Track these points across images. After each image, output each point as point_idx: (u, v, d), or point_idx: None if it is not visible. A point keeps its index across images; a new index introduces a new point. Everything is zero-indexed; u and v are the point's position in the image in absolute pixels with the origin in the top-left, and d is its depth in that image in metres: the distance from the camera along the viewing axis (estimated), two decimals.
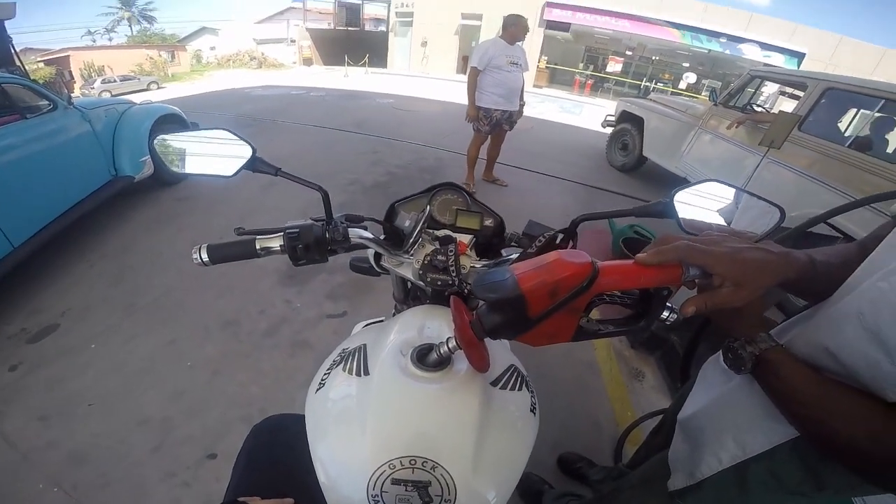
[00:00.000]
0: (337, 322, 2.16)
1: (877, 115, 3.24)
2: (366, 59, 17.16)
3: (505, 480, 0.53)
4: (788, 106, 3.90)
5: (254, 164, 0.68)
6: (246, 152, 0.68)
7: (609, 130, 5.91)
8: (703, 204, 0.68)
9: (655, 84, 18.13)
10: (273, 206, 3.42)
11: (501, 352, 0.66)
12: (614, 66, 19.32)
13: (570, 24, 16.73)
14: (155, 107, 3.72)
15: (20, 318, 2.09)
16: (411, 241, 0.74)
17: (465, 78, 3.71)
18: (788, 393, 0.54)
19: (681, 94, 13.67)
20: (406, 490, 0.47)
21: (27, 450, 1.50)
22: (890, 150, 3.24)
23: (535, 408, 0.61)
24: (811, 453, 0.59)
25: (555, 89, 18.03)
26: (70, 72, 18.84)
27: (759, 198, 0.69)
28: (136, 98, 4.36)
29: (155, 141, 0.74)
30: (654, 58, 19.41)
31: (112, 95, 12.28)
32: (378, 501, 0.47)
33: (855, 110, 3.74)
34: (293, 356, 1.93)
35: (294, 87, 11.86)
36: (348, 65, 16.30)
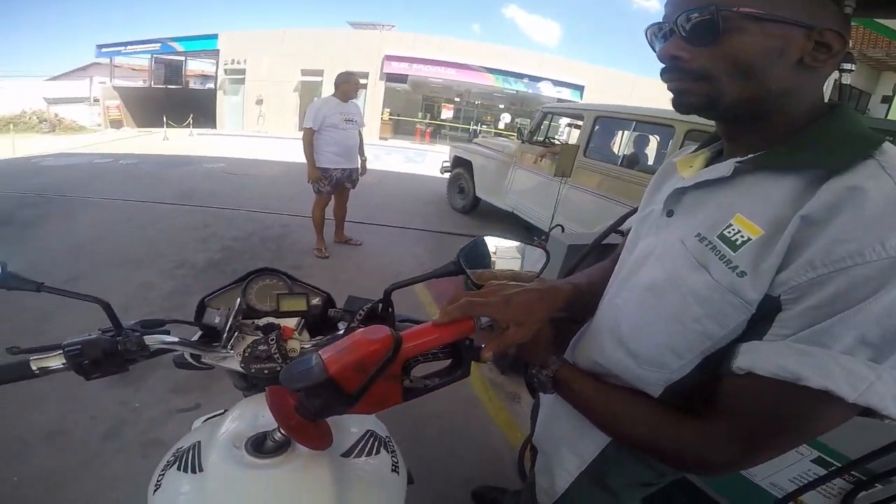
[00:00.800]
0: (192, 415, 1.84)
1: (635, 134, 3.92)
2: (190, 119, 15.69)
3: None
4: (577, 136, 4.54)
5: (6, 281, 0.60)
6: None
7: (447, 176, 6.30)
8: (488, 253, 0.77)
9: (481, 127, 20.23)
10: (75, 303, 2.74)
11: (357, 420, 0.67)
12: (447, 112, 21.01)
13: (407, 75, 17.80)
14: None
15: None
16: (225, 336, 0.73)
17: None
18: (583, 403, 0.61)
19: (502, 134, 15.57)
20: None
21: None
22: (650, 162, 3.91)
23: (396, 467, 0.63)
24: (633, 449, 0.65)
25: (399, 139, 18.89)
26: None
27: (525, 243, 0.80)
28: None
29: None
30: (477, 102, 21.74)
31: None
32: None
33: (620, 133, 4.38)
34: (146, 456, 1.69)
35: (98, 154, 10.02)
36: (168, 126, 14.68)
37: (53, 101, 21.25)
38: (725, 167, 0.51)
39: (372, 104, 17.56)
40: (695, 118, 3.10)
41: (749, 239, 0.46)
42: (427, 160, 12.38)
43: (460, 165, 5.91)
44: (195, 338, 0.77)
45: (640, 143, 4.10)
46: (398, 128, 20.41)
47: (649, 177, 2.86)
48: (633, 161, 3.78)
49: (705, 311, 0.49)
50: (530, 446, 1.34)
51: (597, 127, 3.92)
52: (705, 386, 0.51)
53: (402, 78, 18.06)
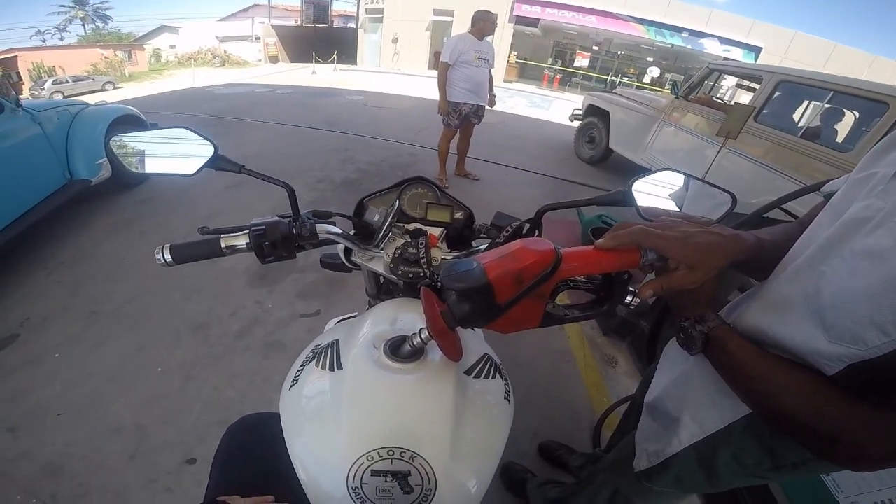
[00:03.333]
0: (311, 321, 2.14)
1: (826, 106, 3.39)
2: (334, 55, 16.84)
3: (483, 468, 0.54)
4: (745, 99, 4.04)
5: (216, 162, 0.66)
6: (207, 150, 0.67)
7: (577, 124, 5.99)
8: (660, 192, 0.71)
9: (621, 78, 18.53)
10: (241, 206, 3.34)
11: (475, 341, 0.67)
12: (582, 61, 19.68)
13: (539, 19, 16.93)
14: (111, 108, 3.55)
15: None
16: (381, 235, 0.75)
17: (436, 73, 3.76)
18: (736, 369, 0.55)
19: (645, 88, 14.03)
20: (386, 481, 0.47)
21: None
22: (838, 139, 3.42)
23: (509, 395, 0.62)
24: (765, 430, 0.61)
25: (524, 84, 18.24)
26: (18, 73, 17.68)
27: (712, 185, 0.72)
28: (91, 99, 4.15)
29: (111, 141, 0.71)
30: (619, 53, 19.87)
31: (64, 97, 11.67)
32: (359, 493, 0.47)
33: (806, 102, 3.88)
34: (267, 357, 1.91)
35: (259, 84, 11.50)
36: (316, 62, 15.97)
37: (224, 39, 24.44)
38: None
39: (499, 46, 16.93)
40: None
41: None
42: (553, 107, 11.79)
43: (594, 114, 5.60)
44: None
45: (831, 116, 3.55)
46: (524, 72, 19.73)
47: (831, 152, 2.50)
48: (815, 134, 3.28)
49: None
50: (627, 410, 1.27)
51: (778, 92, 3.45)
52: (894, 373, 0.45)
53: (532, 22, 17.15)
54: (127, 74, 19.39)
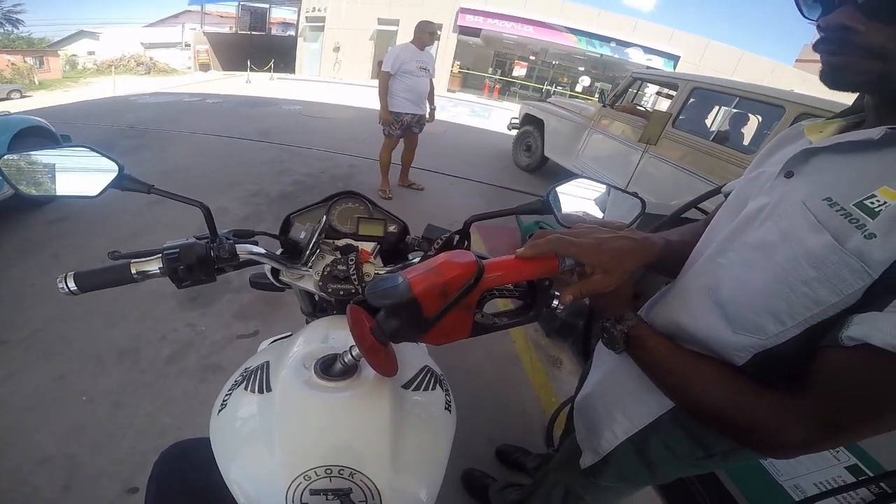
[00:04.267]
0: (249, 342, 2.07)
1: (734, 111, 3.67)
2: (271, 64, 16.31)
3: (429, 477, 0.54)
4: (665, 105, 4.32)
5: (122, 182, 0.64)
6: (112, 170, 0.64)
7: (514, 133, 6.17)
8: (587, 197, 0.75)
9: (555, 87, 19.35)
10: (167, 222, 3.13)
11: (415, 354, 0.67)
12: (520, 70, 20.28)
13: (481, 29, 17.30)
14: (14, 118, 3.22)
15: None
16: (308, 252, 0.74)
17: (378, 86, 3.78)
18: (655, 364, 0.58)
19: (578, 97, 14.78)
20: (327, 499, 0.47)
21: None
22: (745, 141, 3.69)
23: (450, 405, 0.62)
24: (691, 421, 0.63)
25: (467, 93, 18.61)
26: None
27: (622, 190, 0.76)
28: None
29: (1, 160, 0.65)
30: (554, 62, 20.73)
31: None
32: None
33: (717, 107, 4.15)
34: (204, 381, 1.83)
35: (188, 93, 10.86)
36: (251, 70, 15.37)
37: (149, 45, 22.94)
38: (875, 132, 0.46)
39: (442, 56, 17.23)
40: (808, 100, 2.74)
41: (887, 203, 0.42)
42: (493, 116, 12.09)
43: (530, 123, 5.77)
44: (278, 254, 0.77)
45: (738, 120, 3.87)
46: (466, 81, 20.06)
47: (740, 155, 2.75)
48: (725, 138, 3.57)
49: (818, 275, 0.45)
50: (570, 410, 1.37)
51: (692, 99, 3.71)
52: (796, 360, 0.48)
53: (475, 32, 17.52)
54: (37, 82, 17.53)
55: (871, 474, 0.95)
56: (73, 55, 23.02)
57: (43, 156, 0.69)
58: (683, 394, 0.56)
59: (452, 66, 18.26)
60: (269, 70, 16.30)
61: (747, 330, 0.52)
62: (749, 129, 3.90)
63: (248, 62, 15.63)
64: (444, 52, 17.35)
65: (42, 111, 6.45)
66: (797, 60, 22.27)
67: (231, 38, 22.08)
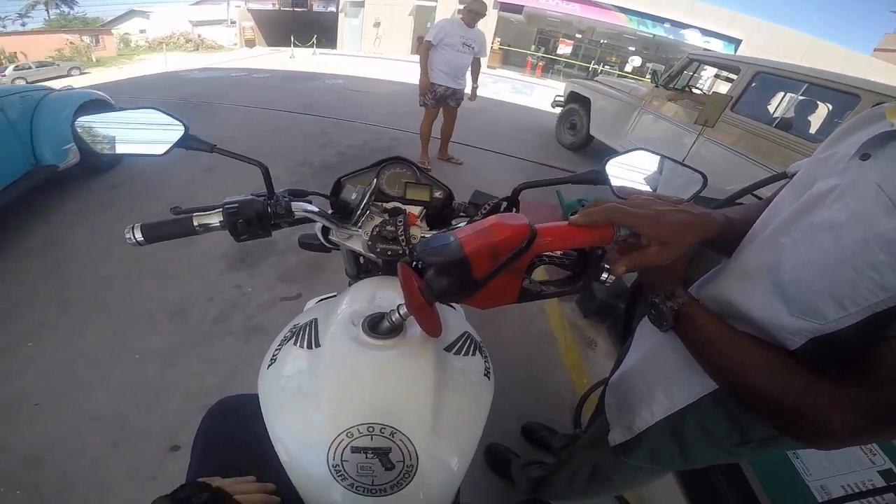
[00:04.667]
0: (292, 304, 2.13)
1: (800, 97, 3.48)
2: (313, 39, 16.44)
3: (465, 444, 0.53)
4: (724, 89, 4.12)
5: (186, 142, 0.65)
6: (178, 130, 0.66)
7: (558, 110, 6.02)
8: (634, 173, 0.73)
9: (603, 66, 18.59)
10: (216, 189, 3.25)
11: (455, 319, 0.67)
12: (565, 48, 19.67)
13: (523, 6, 16.84)
14: (77, 92, 3.41)
15: None
16: (359, 213, 0.75)
17: (418, 59, 3.78)
18: (704, 345, 0.56)
19: (627, 77, 14.13)
20: (367, 458, 0.47)
21: None
22: (811, 130, 3.48)
23: (489, 372, 0.62)
24: (732, 405, 0.62)
25: (508, 70, 18.16)
26: None
27: (684, 165, 0.73)
28: (57, 85, 3.96)
29: (77, 123, 0.68)
30: (602, 41, 19.89)
31: (27, 83, 11.13)
32: (340, 471, 0.47)
33: (782, 93, 3.95)
34: (248, 342, 1.90)
35: (235, 69, 11.13)
36: (294, 46, 15.56)
37: (197, 23, 23.61)
38: None
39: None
40: (888, 90, 2.47)
41: None
42: (536, 93, 11.78)
43: (576, 101, 5.63)
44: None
45: (805, 108, 3.63)
46: (507, 58, 19.59)
47: (803, 142, 2.62)
48: (789, 125, 3.38)
49: (888, 259, 0.42)
50: (602, 392, 1.34)
51: (754, 83, 3.55)
52: (853, 347, 0.46)
53: (517, 9, 17.06)
54: (94, 60, 18.54)
55: None
56: (126, 33, 24.11)
57: (113, 118, 0.71)
58: (732, 375, 0.54)
59: (493, 43, 17.82)
60: (311, 45, 16.44)
61: (805, 313, 0.49)
62: (817, 118, 3.67)
63: (292, 38, 15.83)
64: (484, 29, 16.88)
65: (100, 86, 6.77)
66: (876, 49, 20.30)
67: (274, 15, 22.42)
